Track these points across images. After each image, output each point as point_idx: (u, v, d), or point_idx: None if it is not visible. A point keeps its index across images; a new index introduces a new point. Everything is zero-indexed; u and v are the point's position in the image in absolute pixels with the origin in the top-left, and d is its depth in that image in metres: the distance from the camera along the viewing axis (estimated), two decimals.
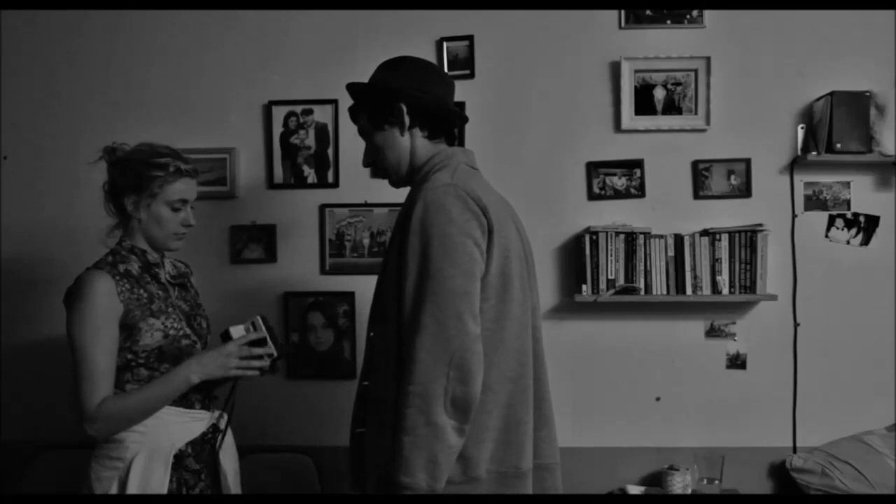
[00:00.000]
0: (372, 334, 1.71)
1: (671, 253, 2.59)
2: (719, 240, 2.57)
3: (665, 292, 2.59)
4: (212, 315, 2.07)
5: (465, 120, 1.90)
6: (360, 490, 1.72)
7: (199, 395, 1.91)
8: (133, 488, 1.77)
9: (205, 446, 1.91)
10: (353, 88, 1.82)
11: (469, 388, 1.52)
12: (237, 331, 1.91)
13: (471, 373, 1.52)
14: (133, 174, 1.86)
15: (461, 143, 2.55)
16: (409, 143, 1.75)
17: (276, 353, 1.92)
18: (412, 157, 1.76)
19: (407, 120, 1.73)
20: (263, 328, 1.92)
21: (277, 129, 2.74)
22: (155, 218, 1.87)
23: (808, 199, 2.68)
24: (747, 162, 2.67)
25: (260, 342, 1.90)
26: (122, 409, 1.79)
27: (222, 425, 1.96)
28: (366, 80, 1.82)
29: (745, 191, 2.67)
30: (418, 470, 1.50)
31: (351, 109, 1.84)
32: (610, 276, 2.57)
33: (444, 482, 1.54)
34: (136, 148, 1.91)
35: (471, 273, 1.57)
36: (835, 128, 2.53)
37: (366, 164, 1.86)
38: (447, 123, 1.80)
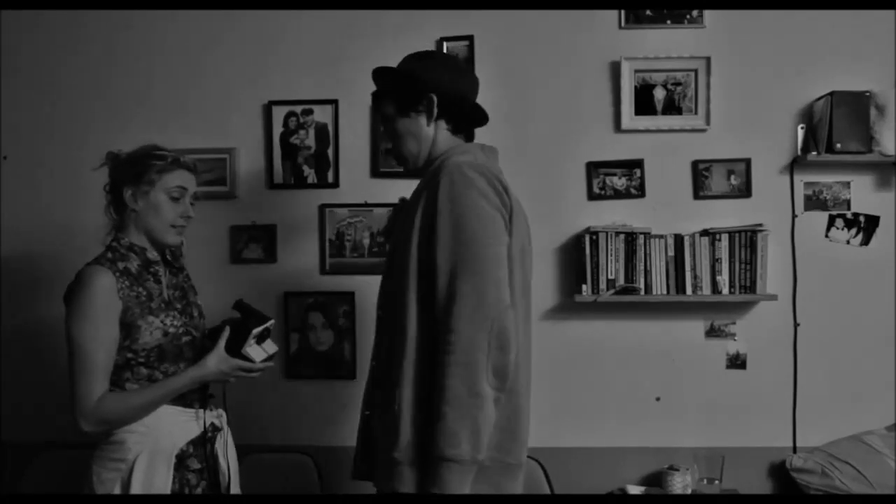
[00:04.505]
0: (381, 313, 1.73)
1: (671, 253, 2.59)
2: (719, 240, 2.57)
3: (665, 292, 2.59)
4: (211, 315, 2.07)
5: (487, 119, 1.88)
6: (361, 474, 1.74)
7: (196, 395, 1.90)
8: (136, 489, 1.76)
9: (205, 445, 1.91)
10: (381, 73, 1.83)
11: (508, 355, 1.52)
12: (257, 353, 1.92)
13: (509, 340, 1.52)
14: (132, 166, 1.87)
15: None
16: (433, 133, 1.77)
17: (277, 348, 2.01)
18: (432, 148, 1.77)
19: (435, 111, 1.75)
20: (275, 347, 1.98)
21: (277, 129, 2.74)
22: (153, 207, 1.87)
23: (808, 199, 2.68)
24: (747, 162, 2.67)
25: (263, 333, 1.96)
26: (122, 412, 1.79)
27: (220, 423, 1.96)
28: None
29: (745, 191, 2.67)
30: (463, 441, 1.49)
31: (375, 95, 1.85)
32: (610, 276, 2.57)
33: (484, 453, 1.52)
34: (139, 147, 1.92)
35: (504, 242, 1.59)
36: (835, 128, 2.53)
37: (386, 151, 1.88)
38: (471, 120, 1.83)
